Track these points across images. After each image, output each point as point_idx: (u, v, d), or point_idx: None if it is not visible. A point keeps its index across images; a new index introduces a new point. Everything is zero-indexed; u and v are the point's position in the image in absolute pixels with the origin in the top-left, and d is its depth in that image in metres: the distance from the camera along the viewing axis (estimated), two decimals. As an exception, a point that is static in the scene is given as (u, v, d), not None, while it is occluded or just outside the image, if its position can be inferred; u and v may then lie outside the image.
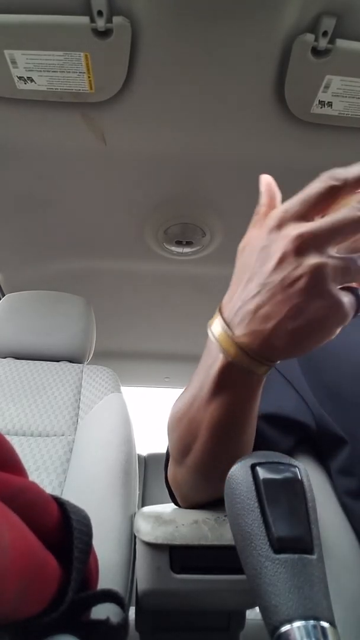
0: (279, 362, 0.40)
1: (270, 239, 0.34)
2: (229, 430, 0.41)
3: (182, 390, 0.47)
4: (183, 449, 0.45)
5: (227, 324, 0.36)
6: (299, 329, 0.33)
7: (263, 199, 0.40)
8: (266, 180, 0.41)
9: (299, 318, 0.32)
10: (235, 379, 0.38)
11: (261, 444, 0.49)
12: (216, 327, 0.38)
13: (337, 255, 0.33)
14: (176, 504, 0.55)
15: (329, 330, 0.33)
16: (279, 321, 0.33)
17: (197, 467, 0.45)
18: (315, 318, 0.32)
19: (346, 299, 0.33)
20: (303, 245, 0.32)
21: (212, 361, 0.38)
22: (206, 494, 0.50)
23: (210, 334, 0.38)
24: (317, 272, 0.31)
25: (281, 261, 0.33)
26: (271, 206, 0.39)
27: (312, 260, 0.32)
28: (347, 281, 0.33)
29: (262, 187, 0.41)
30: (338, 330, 0.34)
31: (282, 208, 0.35)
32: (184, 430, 0.44)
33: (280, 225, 0.34)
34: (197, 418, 0.42)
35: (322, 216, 0.35)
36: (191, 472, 0.47)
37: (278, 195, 0.40)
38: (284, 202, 0.39)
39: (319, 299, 0.32)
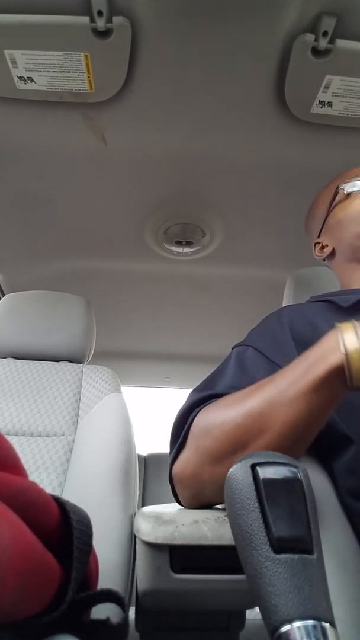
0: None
1: None
2: (303, 430, 0.43)
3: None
4: (236, 446, 0.46)
5: None
6: None
7: None
8: None
9: None
10: (335, 383, 0.40)
11: None
12: (351, 339, 0.40)
13: None
14: (179, 501, 0.55)
15: None
16: None
17: None
18: None
19: None
20: None
21: (321, 360, 0.41)
22: None
23: (340, 342, 0.40)
24: None
25: None
26: None
27: None
28: None
29: None
30: None
31: None
32: (248, 427, 0.45)
33: None
34: (274, 414, 0.43)
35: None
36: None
37: None
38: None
39: None
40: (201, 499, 0.52)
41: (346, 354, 0.39)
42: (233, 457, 0.46)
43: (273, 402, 0.44)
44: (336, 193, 0.76)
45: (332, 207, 0.77)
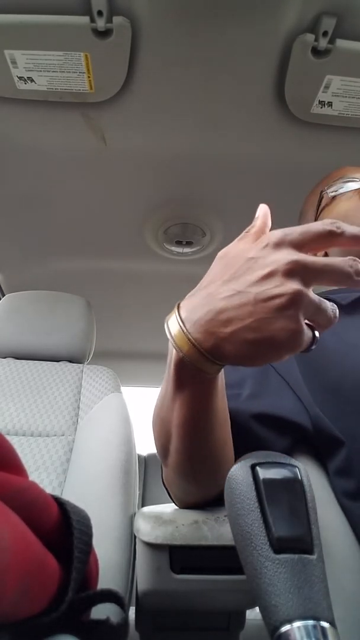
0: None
1: (264, 253, 0.35)
2: (195, 428, 0.42)
3: None
4: (162, 450, 0.46)
5: (183, 320, 0.37)
6: (255, 342, 0.33)
7: (257, 222, 0.41)
8: (265, 210, 0.42)
9: (260, 332, 0.33)
10: (190, 376, 0.38)
11: (256, 444, 0.49)
12: (173, 323, 0.37)
13: (314, 294, 0.35)
14: (174, 502, 0.55)
15: (280, 352, 0.34)
16: (238, 328, 0.34)
17: (176, 468, 0.46)
18: (274, 336, 0.33)
19: (306, 331, 0.34)
20: (293, 271, 0.33)
21: (170, 358, 0.39)
22: (193, 496, 0.50)
23: (166, 330, 0.38)
24: (296, 297, 0.33)
25: (267, 276, 0.34)
26: (262, 231, 0.40)
27: (296, 285, 0.33)
28: (312, 318, 0.35)
29: (260, 212, 0.42)
30: (285, 357, 0.34)
31: (283, 231, 0.36)
32: (159, 431, 0.45)
33: (277, 245, 0.35)
34: (167, 417, 0.42)
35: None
36: (173, 474, 0.47)
37: (269, 226, 0.41)
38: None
39: (286, 320, 0.33)
40: (181, 501, 0.52)
41: (177, 347, 0.37)
42: (167, 460, 0.46)
43: (164, 406, 0.43)
44: (321, 197, 0.76)
45: (319, 211, 0.77)
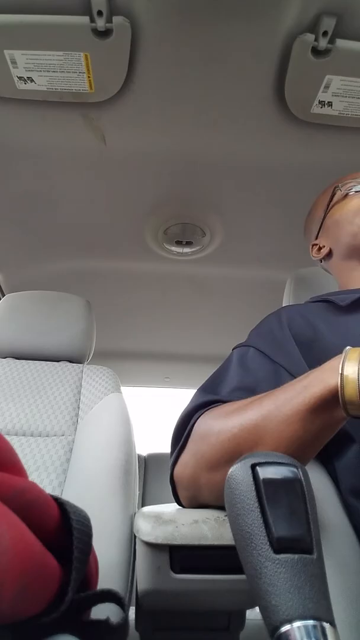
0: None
1: None
2: (298, 448, 0.43)
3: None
4: (232, 455, 0.45)
5: None
6: None
7: None
8: None
9: None
10: (331, 408, 0.40)
11: None
12: (353, 357, 0.39)
13: None
14: (178, 501, 0.55)
15: None
16: None
17: None
18: None
19: None
20: None
21: (319, 381, 0.40)
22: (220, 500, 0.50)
23: (340, 366, 0.39)
24: None
25: None
26: None
27: None
28: None
29: None
30: None
31: None
32: (243, 438, 0.45)
33: None
34: (269, 429, 0.43)
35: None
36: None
37: None
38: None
39: None
40: (199, 501, 0.52)
41: (341, 377, 0.38)
42: (227, 466, 0.46)
43: (269, 417, 0.43)
44: (333, 194, 0.77)
45: (329, 208, 0.77)
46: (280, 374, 0.56)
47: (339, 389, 0.38)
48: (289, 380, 0.56)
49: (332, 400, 0.39)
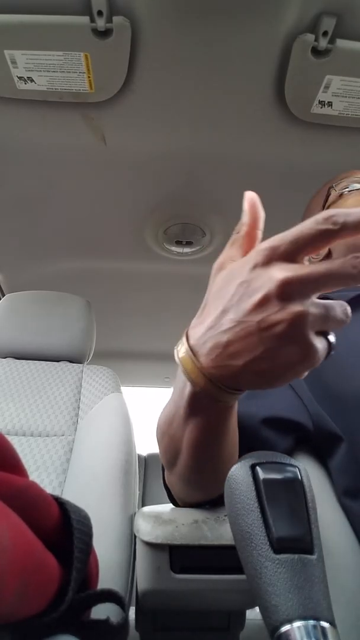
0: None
1: (254, 275, 0.32)
2: (207, 448, 0.41)
3: None
4: (169, 460, 0.46)
5: (194, 352, 0.35)
6: (269, 369, 0.32)
7: (245, 218, 0.37)
8: (251, 198, 0.37)
9: (271, 360, 0.32)
10: (205, 405, 0.37)
11: (259, 446, 0.49)
12: (183, 353, 0.36)
13: (318, 302, 0.32)
14: (174, 503, 0.55)
15: (298, 372, 0.33)
16: (249, 360, 0.32)
17: (182, 477, 0.46)
18: (287, 362, 0.32)
19: (319, 345, 0.32)
20: (288, 291, 0.30)
21: (184, 385, 0.38)
22: (197, 499, 0.50)
23: (177, 360, 0.37)
24: (298, 320, 0.30)
25: (262, 302, 0.31)
26: (253, 227, 0.37)
27: (295, 307, 0.30)
28: (323, 328, 0.32)
29: (246, 204, 0.37)
30: (305, 373, 0.33)
31: (270, 244, 0.33)
32: (167, 446, 0.45)
33: (266, 262, 0.32)
34: (177, 436, 0.42)
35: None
36: (179, 480, 0.48)
37: (262, 215, 0.37)
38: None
39: (294, 345, 0.31)
40: (184, 502, 0.53)
41: (186, 373, 0.35)
42: (173, 469, 0.47)
43: (173, 425, 0.42)
44: (328, 195, 0.77)
45: (325, 208, 0.77)
46: None
47: (191, 382, 0.36)
48: None
49: (200, 395, 0.36)
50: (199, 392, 0.36)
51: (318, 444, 0.54)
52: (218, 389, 0.34)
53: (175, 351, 0.37)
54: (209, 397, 0.36)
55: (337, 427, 0.51)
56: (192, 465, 0.43)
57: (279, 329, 0.30)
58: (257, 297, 0.31)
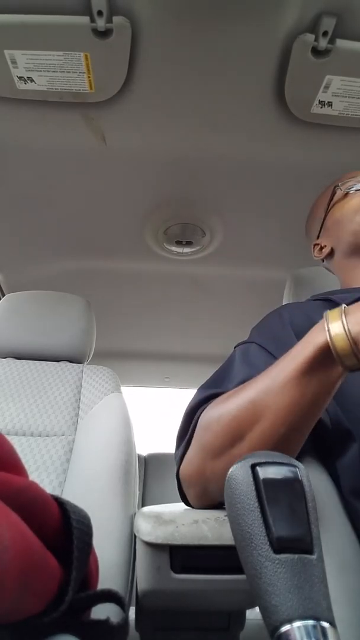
0: None
1: None
2: (297, 419, 0.43)
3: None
4: (233, 438, 0.46)
5: (348, 318, 0.39)
6: None
7: None
8: None
9: None
10: (329, 367, 0.41)
11: None
12: (334, 316, 0.41)
13: None
14: (186, 502, 0.54)
15: None
16: None
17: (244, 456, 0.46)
18: None
19: None
20: None
21: (308, 343, 0.41)
22: None
23: (324, 318, 0.41)
24: None
25: None
26: None
27: None
28: None
29: None
30: None
31: None
32: (243, 417, 0.45)
33: None
34: (266, 402, 0.43)
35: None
36: (233, 463, 0.46)
37: None
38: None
39: None
40: (206, 496, 0.52)
41: (329, 332, 0.40)
42: (232, 450, 0.46)
43: (265, 390, 0.44)
44: (333, 193, 0.77)
45: (330, 207, 0.78)
46: None
47: (330, 343, 0.39)
48: None
49: (324, 359, 0.41)
50: (326, 349, 0.40)
51: (331, 443, 0.54)
52: (351, 352, 0.38)
53: (326, 320, 0.41)
54: (332, 358, 0.40)
55: (350, 427, 0.51)
56: (268, 435, 0.43)
57: None
58: None
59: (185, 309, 1.65)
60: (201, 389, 0.58)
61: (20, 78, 0.79)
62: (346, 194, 0.75)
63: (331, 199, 0.77)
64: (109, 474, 0.78)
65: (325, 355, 0.40)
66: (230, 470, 0.32)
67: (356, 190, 0.75)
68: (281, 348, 0.59)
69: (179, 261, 1.39)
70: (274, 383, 0.43)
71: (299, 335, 0.59)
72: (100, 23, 0.70)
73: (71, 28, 0.71)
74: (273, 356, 0.58)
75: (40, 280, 1.43)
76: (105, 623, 0.38)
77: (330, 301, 0.66)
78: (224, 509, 0.32)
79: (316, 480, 0.51)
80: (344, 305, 0.42)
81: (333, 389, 0.42)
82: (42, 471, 0.84)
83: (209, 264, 1.39)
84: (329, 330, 0.40)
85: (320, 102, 0.83)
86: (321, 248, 0.80)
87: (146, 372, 2.11)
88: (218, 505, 0.52)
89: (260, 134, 0.94)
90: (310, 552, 0.28)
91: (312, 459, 0.55)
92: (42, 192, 1.12)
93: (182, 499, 0.55)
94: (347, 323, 0.39)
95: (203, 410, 0.53)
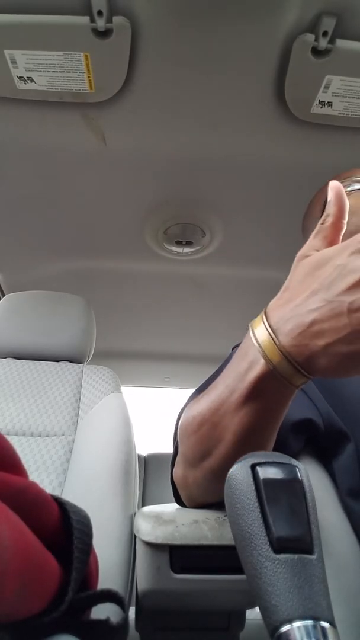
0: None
1: (352, 259, 0.34)
2: (257, 437, 0.41)
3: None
4: (202, 453, 0.45)
5: (274, 330, 0.35)
6: (351, 354, 0.32)
7: (331, 209, 0.39)
8: (336, 188, 0.39)
9: (353, 345, 0.32)
10: (271, 387, 0.37)
11: (275, 447, 0.49)
12: (261, 332, 0.36)
13: None
14: (179, 502, 0.55)
15: None
16: (332, 342, 0.33)
17: (214, 471, 0.44)
18: None
19: None
20: None
21: (249, 366, 0.38)
22: (217, 496, 0.49)
23: (252, 338, 0.37)
24: None
25: (357, 285, 0.32)
26: (339, 217, 0.39)
27: None
28: None
29: (331, 195, 0.39)
30: None
31: None
32: (205, 435, 0.43)
33: None
34: (223, 424, 0.41)
35: None
36: (207, 475, 0.46)
37: (347, 204, 0.39)
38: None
39: None
40: (193, 501, 0.52)
41: (262, 351, 0.36)
42: (203, 463, 0.45)
43: (220, 412, 0.41)
44: None
45: (325, 207, 0.77)
46: None
47: (265, 359, 0.36)
48: None
49: (269, 375, 0.37)
50: (268, 373, 0.36)
51: (326, 443, 0.54)
52: (293, 369, 0.35)
53: (249, 330, 0.38)
54: (277, 379, 0.36)
55: (344, 427, 0.51)
56: (232, 454, 0.41)
57: None
58: (352, 279, 0.32)
59: (185, 309, 1.65)
60: (196, 390, 0.58)
61: (20, 78, 0.79)
62: None
63: (327, 199, 0.77)
64: (109, 474, 0.78)
65: (270, 380, 0.37)
66: (231, 470, 0.32)
67: (351, 190, 0.75)
68: None
69: (179, 261, 1.39)
70: (226, 404, 0.41)
71: None
72: (100, 23, 0.70)
73: (71, 28, 0.71)
74: None
75: (40, 280, 1.43)
76: (105, 623, 0.38)
77: None
78: (224, 509, 0.32)
79: (316, 481, 0.51)
80: (264, 311, 0.38)
81: (288, 403, 0.39)
82: (42, 471, 0.84)
83: (209, 264, 1.39)
84: (263, 353, 0.36)
85: (320, 102, 0.83)
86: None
87: (146, 372, 2.11)
88: (216, 504, 0.52)
89: (260, 134, 0.94)
90: (310, 552, 0.28)
91: (312, 459, 0.55)
92: (42, 192, 1.12)
93: (176, 501, 0.55)
94: (275, 338, 0.35)
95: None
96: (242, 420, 0.39)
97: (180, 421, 0.51)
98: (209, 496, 0.50)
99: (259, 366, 0.37)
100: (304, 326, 0.34)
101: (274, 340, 0.35)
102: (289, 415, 0.52)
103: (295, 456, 0.48)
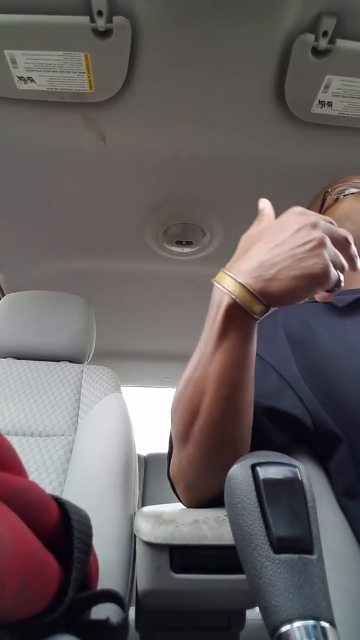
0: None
1: (294, 217, 0.46)
2: (233, 378, 0.45)
3: None
4: (190, 416, 0.47)
5: (234, 273, 0.45)
6: (296, 277, 0.42)
7: (266, 212, 0.54)
8: (267, 205, 0.56)
9: (299, 269, 0.42)
10: (238, 321, 0.44)
11: (259, 434, 0.50)
12: (222, 277, 0.46)
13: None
14: (179, 499, 0.55)
15: (316, 284, 0.43)
16: (282, 268, 0.43)
17: (205, 432, 0.46)
18: (310, 271, 0.42)
19: (333, 270, 0.44)
20: (317, 225, 0.45)
21: (217, 309, 0.45)
22: (211, 479, 0.49)
23: (216, 287, 0.46)
24: (322, 241, 0.44)
25: (299, 230, 0.44)
26: (271, 215, 0.53)
27: (321, 234, 0.44)
28: (334, 260, 0.44)
29: (263, 206, 0.56)
30: (320, 291, 0.45)
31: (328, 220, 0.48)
32: (190, 394, 0.47)
33: (302, 212, 0.47)
34: (203, 374, 0.46)
35: None
36: (199, 442, 0.47)
37: (272, 213, 0.54)
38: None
39: (317, 258, 0.43)
40: (190, 490, 0.52)
41: (228, 292, 0.44)
42: (193, 428, 0.47)
43: (200, 365, 0.47)
44: (324, 199, 0.78)
45: (322, 212, 0.78)
46: (267, 373, 0.56)
47: (236, 299, 0.43)
48: (276, 379, 0.56)
49: (234, 317, 0.44)
50: (233, 305, 0.44)
51: (318, 444, 0.54)
52: (252, 297, 0.43)
53: (214, 282, 0.47)
54: (241, 309, 0.44)
55: (337, 429, 0.51)
56: (215, 405, 0.45)
57: (309, 245, 0.43)
58: (295, 227, 0.45)
59: (185, 309, 1.65)
60: None
61: (20, 78, 0.79)
62: (336, 199, 0.76)
63: (322, 205, 0.78)
64: (108, 474, 0.78)
65: (234, 314, 0.44)
66: (231, 470, 0.32)
67: (345, 195, 0.75)
68: (271, 349, 0.59)
69: (179, 261, 1.39)
70: (203, 356, 0.47)
71: (290, 337, 0.60)
72: (100, 23, 0.70)
73: (71, 28, 0.71)
74: (261, 358, 0.58)
75: (40, 280, 1.43)
76: (105, 623, 0.38)
77: (327, 303, 0.66)
78: (224, 508, 0.32)
79: (315, 481, 0.51)
80: (222, 269, 0.48)
81: (252, 338, 0.46)
82: (42, 471, 0.84)
83: (209, 264, 1.39)
84: (227, 291, 0.44)
85: (320, 102, 0.83)
86: None
87: (146, 372, 2.11)
88: (212, 502, 0.52)
89: (260, 134, 0.94)
90: (310, 552, 0.28)
91: (311, 459, 0.55)
92: (42, 192, 1.13)
93: (178, 499, 0.55)
94: (235, 277, 0.44)
95: None
96: (218, 364, 0.45)
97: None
98: (204, 481, 0.50)
99: (225, 302, 0.44)
100: (258, 262, 0.44)
101: (234, 279, 0.44)
102: (274, 404, 0.53)
103: (287, 453, 0.48)
